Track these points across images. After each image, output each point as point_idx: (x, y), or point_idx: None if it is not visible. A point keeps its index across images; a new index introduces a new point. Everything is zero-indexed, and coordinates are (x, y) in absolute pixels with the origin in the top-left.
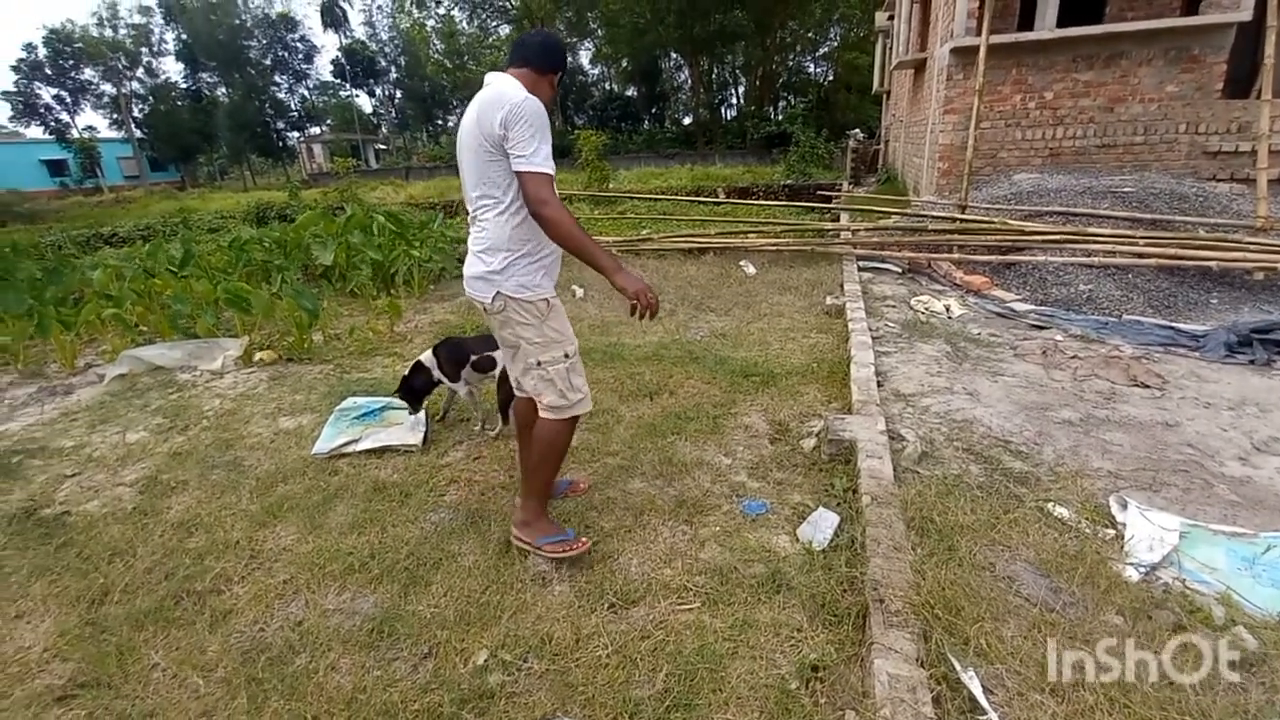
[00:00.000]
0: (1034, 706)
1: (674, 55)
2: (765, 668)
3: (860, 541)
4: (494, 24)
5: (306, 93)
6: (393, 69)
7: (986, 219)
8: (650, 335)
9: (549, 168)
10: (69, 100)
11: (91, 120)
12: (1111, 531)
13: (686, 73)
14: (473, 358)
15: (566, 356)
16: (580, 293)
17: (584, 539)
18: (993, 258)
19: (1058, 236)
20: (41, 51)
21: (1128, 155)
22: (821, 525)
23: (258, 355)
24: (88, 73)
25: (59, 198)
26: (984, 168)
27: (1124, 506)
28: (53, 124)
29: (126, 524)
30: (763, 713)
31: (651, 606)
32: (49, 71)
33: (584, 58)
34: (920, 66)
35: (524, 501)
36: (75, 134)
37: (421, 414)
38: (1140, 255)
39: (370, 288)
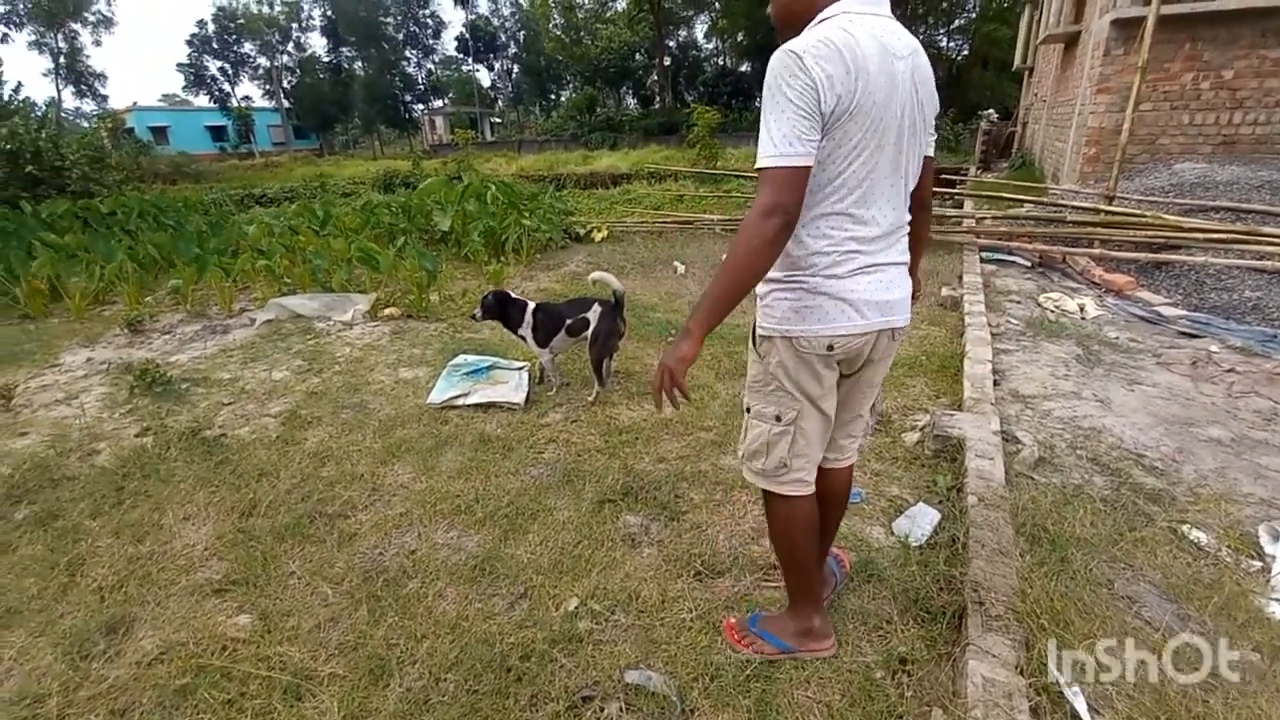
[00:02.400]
0: None
1: None
2: (850, 653)
3: (962, 542)
4: None
5: (432, 66)
6: (511, 44)
7: (1137, 212)
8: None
9: None
10: (230, 72)
11: (248, 90)
12: (1258, 564)
13: None
14: (568, 322)
15: None
16: (681, 269)
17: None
18: (1141, 255)
19: (1224, 235)
20: (210, 27)
21: None
22: (920, 521)
23: (385, 310)
24: (247, 46)
25: (218, 160)
26: (1139, 155)
27: (1275, 538)
28: (216, 93)
29: (271, 450)
30: (845, 696)
31: (737, 579)
32: (215, 45)
33: (698, 32)
34: (1072, 40)
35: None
36: (234, 103)
37: (525, 375)
38: None
39: (482, 253)
